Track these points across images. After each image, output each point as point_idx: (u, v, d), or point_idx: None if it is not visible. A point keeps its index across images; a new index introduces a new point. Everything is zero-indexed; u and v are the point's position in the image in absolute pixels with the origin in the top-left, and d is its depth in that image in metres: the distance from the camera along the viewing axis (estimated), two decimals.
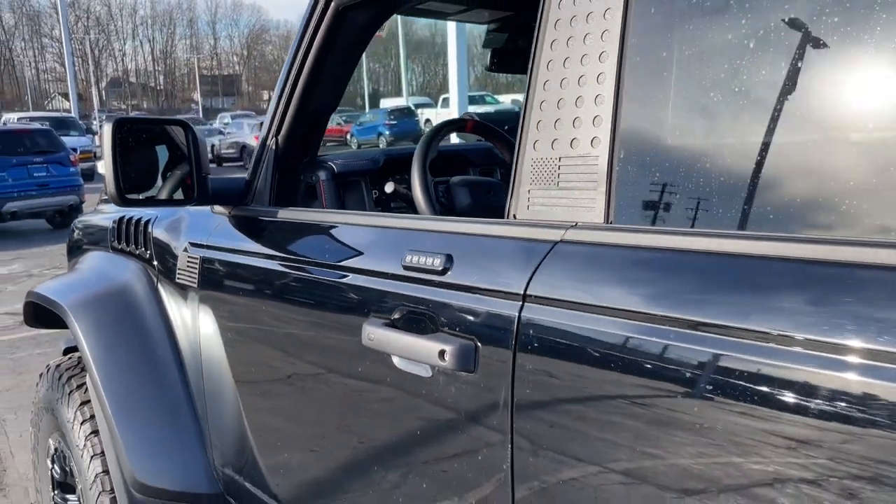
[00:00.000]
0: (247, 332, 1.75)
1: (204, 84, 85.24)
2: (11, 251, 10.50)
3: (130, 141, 1.62)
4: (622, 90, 1.02)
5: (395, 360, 1.25)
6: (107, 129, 1.57)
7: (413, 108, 27.05)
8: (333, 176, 1.83)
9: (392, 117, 25.20)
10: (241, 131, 25.69)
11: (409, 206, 1.74)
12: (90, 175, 17.52)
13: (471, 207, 1.75)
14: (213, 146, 24.35)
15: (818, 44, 0.86)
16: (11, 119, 23.55)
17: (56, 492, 2.50)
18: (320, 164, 1.84)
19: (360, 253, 1.42)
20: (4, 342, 6.02)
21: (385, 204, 1.94)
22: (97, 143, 26.19)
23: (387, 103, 31.61)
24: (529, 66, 1.16)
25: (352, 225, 1.53)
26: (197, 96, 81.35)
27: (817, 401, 0.74)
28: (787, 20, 0.88)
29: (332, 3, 1.58)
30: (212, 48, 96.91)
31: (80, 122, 25.62)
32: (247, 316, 1.74)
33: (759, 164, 0.89)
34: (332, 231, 1.55)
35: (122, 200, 1.61)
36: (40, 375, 2.46)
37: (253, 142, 20.69)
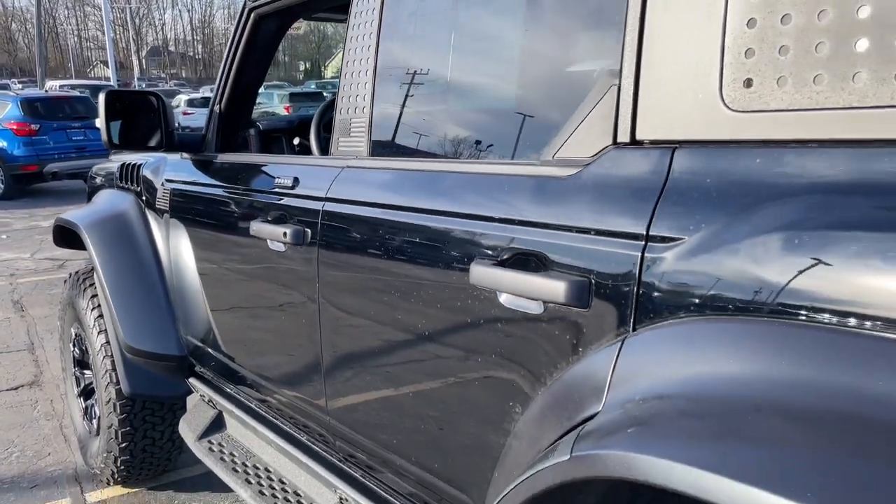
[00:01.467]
0: (201, 240, 2.55)
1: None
2: (52, 207, 11.53)
3: (118, 105, 2.42)
4: (377, 75, 1.78)
5: (270, 243, 2.02)
6: (101, 98, 2.38)
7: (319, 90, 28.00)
8: (259, 132, 2.62)
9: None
10: (271, 101, 26.46)
11: (307, 151, 2.52)
12: None
13: (322, 150, 2.46)
14: None
15: (471, 45, 1.61)
16: (54, 86, 24.72)
17: (76, 368, 3.35)
18: (252, 124, 2.63)
19: (272, 180, 2.18)
20: (45, 281, 6.98)
21: (294, 150, 2.72)
22: None
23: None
24: (342, 56, 1.92)
25: (269, 164, 2.29)
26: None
27: (478, 252, 1.48)
28: (449, 26, 1.64)
29: (252, 14, 2.35)
30: None
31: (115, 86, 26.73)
32: (201, 229, 2.54)
33: (435, 121, 1.65)
34: (257, 168, 2.32)
35: (110, 146, 2.42)
36: (65, 281, 3.31)
37: (283, 111, 21.37)
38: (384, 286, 1.64)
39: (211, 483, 3.21)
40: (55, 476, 3.33)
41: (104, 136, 2.40)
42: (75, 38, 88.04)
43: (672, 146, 1.13)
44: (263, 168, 2.25)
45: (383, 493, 1.80)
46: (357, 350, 1.77)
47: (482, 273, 1.33)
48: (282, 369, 2.15)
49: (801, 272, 0.90)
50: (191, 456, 3.34)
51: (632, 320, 1.11)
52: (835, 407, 0.83)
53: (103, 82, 28.64)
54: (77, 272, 3.19)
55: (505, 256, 1.32)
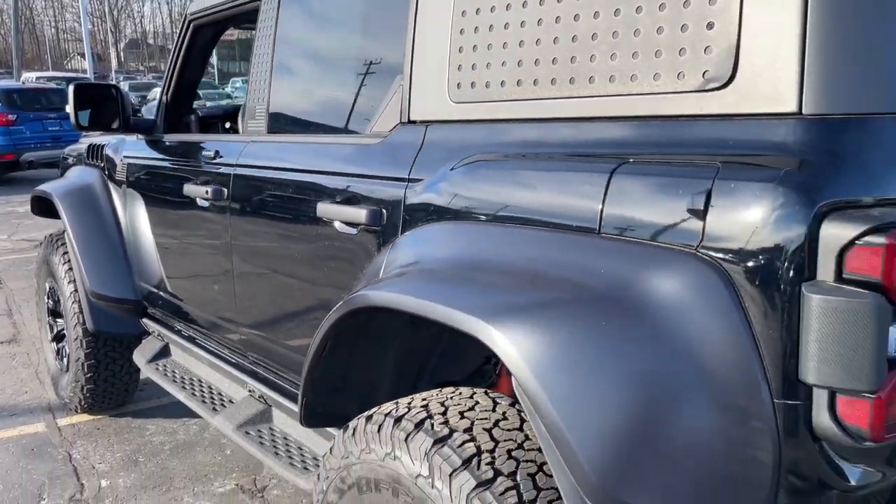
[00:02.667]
0: (151, 203, 3.18)
1: (221, 48, 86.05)
2: (27, 195, 12.00)
3: (84, 95, 3.05)
4: (272, 76, 2.43)
5: (199, 201, 2.67)
6: (71, 89, 3.01)
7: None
8: (198, 118, 3.26)
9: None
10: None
11: (235, 132, 3.17)
12: None
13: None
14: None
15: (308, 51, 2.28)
16: (31, 78, 25.04)
17: (50, 317, 3.98)
18: (192, 111, 3.28)
19: (202, 153, 2.80)
20: (21, 259, 7.54)
21: (225, 131, 3.38)
22: None
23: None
24: (251, 61, 2.57)
25: (200, 142, 2.93)
26: (213, 60, 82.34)
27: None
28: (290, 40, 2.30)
29: (191, 24, 2.99)
30: None
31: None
32: (151, 194, 3.17)
33: (304, 110, 2.32)
34: (192, 145, 2.95)
35: (78, 128, 3.05)
36: (40, 242, 3.93)
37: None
38: (272, 224, 2.31)
39: (163, 412, 3.86)
40: (31, 408, 3.96)
41: (72, 120, 3.03)
42: (52, 30, 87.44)
43: (426, 124, 1.80)
44: (197, 144, 2.89)
45: (274, 380, 2.46)
46: (256, 273, 2.43)
47: (324, 208, 2.00)
48: (208, 299, 2.80)
49: (477, 191, 1.58)
50: (145, 393, 4.00)
51: (400, 229, 1.78)
52: (493, 265, 1.50)
53: (80, 75, 28.99)
54: (51, 234, 3.81)
55: (338, 198, 1.99)
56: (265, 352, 2.49)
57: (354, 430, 1.63)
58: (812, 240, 1.08)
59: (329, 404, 1.92)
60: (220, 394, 2.84)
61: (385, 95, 1.99)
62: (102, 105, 3.16)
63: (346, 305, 1.67)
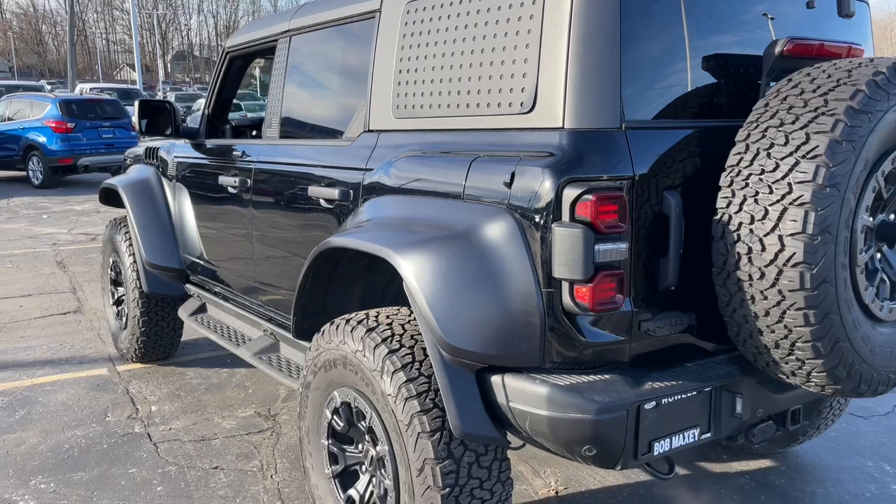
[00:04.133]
0: (194, 192, 4.12)
1: (265, 63, 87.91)
2: (84, 195, 13.24)
3: (145, 108, 4.00)
4: (283, 96, 3.34)
5: (230, 189, 3.59)
6: (136, 104, 3.97)
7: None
8: (231, 127, 4.20)
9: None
10: None
11: (259, 137, 4.10)
12: None
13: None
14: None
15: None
16: (85, 89, 26.61)
17: (112, 286, 4.95)
18: (228, 121, 4.21)
19: (233, 153, 3.72)
20: (80, 249, 8.62)
21: (251, 136, 4.30)
22: None
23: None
24: (269, 85, 3.48)
25: (232, 145, 3.85)
26: (255, 72, 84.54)
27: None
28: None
29: (227, 55, 3.93)
30: None
31: (144, 93, 28.63)
32: (194, 185, 4.11)
33: (305, 123, 3.23)
34: (226, 147, 3.87)
35: (141, 134, 4.01)
36: (107, 225, 4.91)
37: None
38: (280, 203, 3.22)
39: (200, 363, 4.80)
40: (96, 358, 4.92)
41: (137, 128, 3.99)
42: (103, 41, 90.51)
43: (379, 132, 2.69)
44: (230, 147, 3.81)
45: (280, 321, 3.35)
46: (268, 240, 3.33)
47: (312, 190, 2.89)
48: (235, 264, 3.72)
49: (403, 175, 2.46)
50: (185, 350, 4.93)
51: (360, 200, 2.66)
52: (405, 220, 2.38)
53: (130, 86, 30.57)
54: (115, 218, 4.78)
55: (322, 183, 2.88)
56: (274, 301, 3.39)
57: (324, 332, 2.52)
58: (558, 198, 1.94)
59: (313, 325, 2.81)
60: (242, 335, 3.74)
61: (355, 113, 2.88)
62: (159, 116, 4.11)
63: (318, 248, 2.56)
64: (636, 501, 3.12)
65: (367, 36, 2.79)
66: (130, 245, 4.50)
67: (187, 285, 4.34)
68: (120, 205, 4.67)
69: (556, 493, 3.19)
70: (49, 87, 31.55)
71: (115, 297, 4.93)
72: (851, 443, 3.63)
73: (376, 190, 2.57)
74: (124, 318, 4.74)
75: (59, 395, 4.30)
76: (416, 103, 2.51)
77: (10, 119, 15.04)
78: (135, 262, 4.45)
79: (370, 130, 2.74)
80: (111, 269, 4.93)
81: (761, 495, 3.16)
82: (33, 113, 14.52)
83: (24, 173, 14.78)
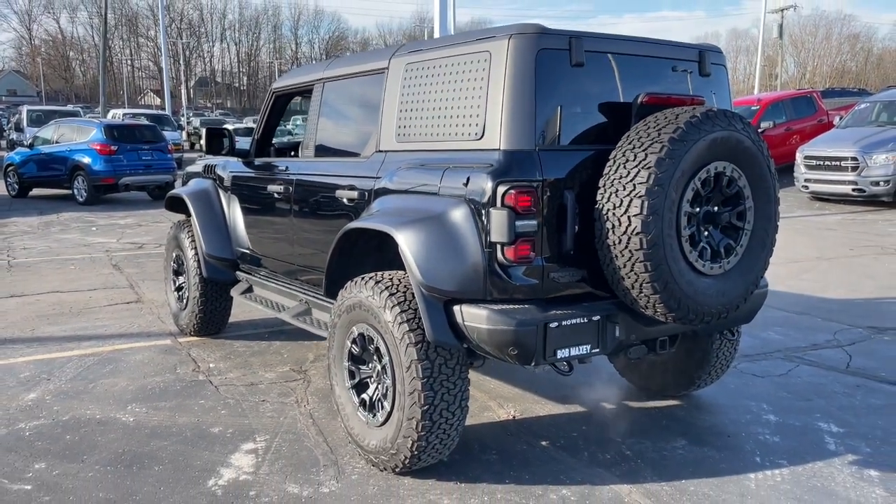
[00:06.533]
0: (245, 200, 5.33)
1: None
2: (125, 211, 14.57)
3: (214, 133, 5.24)
4: (318, 125, 4.56)
5: (275, 195, 4.80)
6: (205, 132, 5.22)
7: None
8: (276, 148, 5.43)
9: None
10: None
11: (296, 156, 5.32)
12: (178, 162, 21.82)
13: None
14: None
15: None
16: (118, 114, 28.21)
17: (174, 276, 6.17)
18: (271, 143, 5.45)
19: (277, 168, 4.93)
20: (130, 255, 9.88)
21: (292, 156, 5.52)
22: (183, 137, 30.75)
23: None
24: (308, 116, 4.70)
25: (277, 162, 5.05)
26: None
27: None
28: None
29: (273, 93, 5.17)
30: (293, 53, 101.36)
31: (172, 117, 30.22)
32: (245, 194, 5.32)
33: (333, 145, 4.46)
34: (272, 165, 5.08)
35: (207, 153, 5.25)
36: (171, 226, 6.14)
37: None
38: (314, 205, 4.42)
39: (245, 337, 5.99)
40: (160, 333, 6.13)
41: (205, 148, 5.23)
42: (129, 68, 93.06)
43: (386, 151, 3.90)
44: (274, 164, 5.03)
45: (313, 293, 4.53)
46: (304, 233, 4.53)
47: (339, 193, 4.10)
48: (278, 253, 4.92)
49: (401, 181, 3.66)
50: (231, 329, 6.14)
51: (372, 198, 3.86)
52: (402, 209, 3.57)
53: (159, 111, 32.18)
54: (179, 221, 6.02)
55: (346, 187, 4.08)
56: (308, 279, 4.58)
57: (347, 286, 3.71)
58: (494, 192, 3.12)
59: (338, 286, 3.98)
60: (283, 305, 4.93)
61: (370, 138, 4.09)
62: (220, 140, 5.35)
63: (343, 230, 3.76)
64: (573, 422, 4.25)
65: (379, 85, 4.00)
66: (192, 241, 5.72)
67: (238, 272, 5.55)
68: (182, 210, 5.92)
69: (514, 417, 4.34)
70: (83, 112, 33.24)
71: (177, 284, 6.15)
72: (745, 392, 4.75)
73: (383, 191, 3.76)
74: (185, 300, 5.96)
75: (136, 356, 5.51)
76: (412, 132, 3.71)
77: (56, 142, 16.49)
78: (196, 254, 5.67)
79: (380, 150, 3.94)
80: (174, 262, 6.15)
81: (664, 419, 4.30)
82: (80, 137, 15.96)
83: (69, 191, 16.18)
